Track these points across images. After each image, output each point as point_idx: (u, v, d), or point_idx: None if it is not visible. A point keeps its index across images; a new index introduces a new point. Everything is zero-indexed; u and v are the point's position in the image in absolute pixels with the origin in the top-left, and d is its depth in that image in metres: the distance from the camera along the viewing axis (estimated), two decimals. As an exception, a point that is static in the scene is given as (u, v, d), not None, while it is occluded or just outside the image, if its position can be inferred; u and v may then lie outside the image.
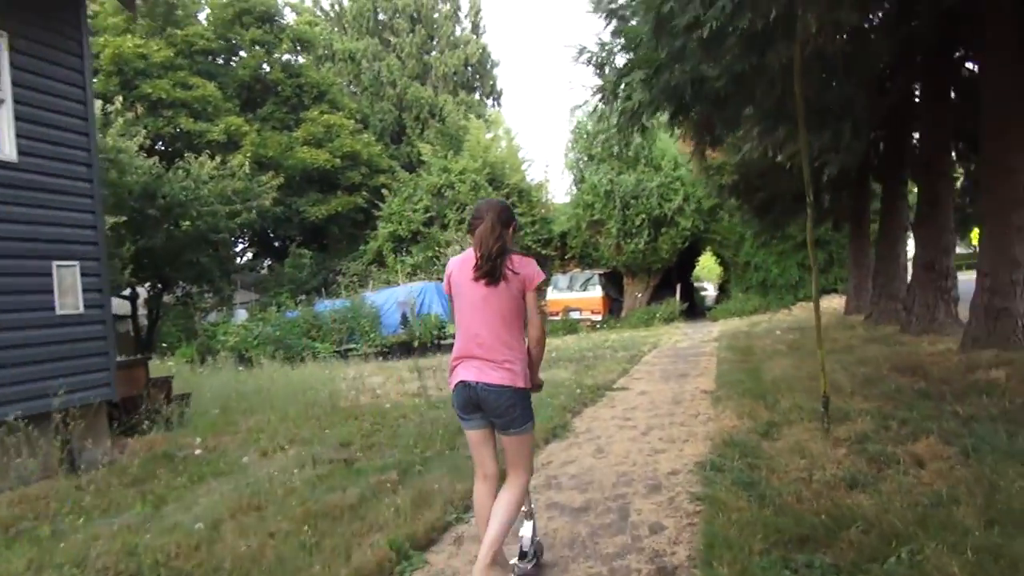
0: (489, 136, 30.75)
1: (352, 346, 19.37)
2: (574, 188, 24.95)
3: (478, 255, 3.14)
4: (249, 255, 33.39)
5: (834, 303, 22.04)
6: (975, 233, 48.34)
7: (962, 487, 3.88)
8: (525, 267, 3.18)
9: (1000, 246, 7.53)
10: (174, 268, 20.63)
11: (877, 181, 15.15)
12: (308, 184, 27.51)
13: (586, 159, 24.52)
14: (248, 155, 24.51)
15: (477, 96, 40.47)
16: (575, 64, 24.62)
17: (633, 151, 23.18)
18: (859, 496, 3.95)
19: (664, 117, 9.24)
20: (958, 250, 13.02)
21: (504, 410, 3.12)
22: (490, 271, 3.10)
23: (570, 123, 24.93)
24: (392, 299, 21.25)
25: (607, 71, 9.26)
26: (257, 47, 28.24)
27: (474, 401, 3.15)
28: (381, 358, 18.00)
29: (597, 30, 33.82)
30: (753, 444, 5.43)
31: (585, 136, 24.35)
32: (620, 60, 9.02)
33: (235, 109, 26.75)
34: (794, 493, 4.06)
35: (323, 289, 24.70)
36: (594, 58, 9.56)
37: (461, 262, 3.27)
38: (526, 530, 3.53)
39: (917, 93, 10.57)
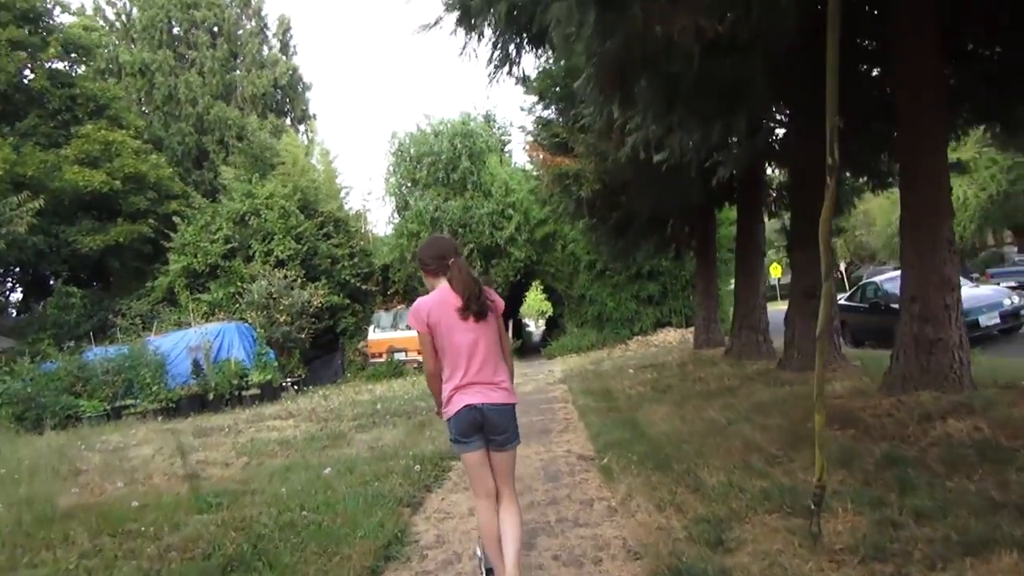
0: (305, 157, 27.97)
1: (129, 402, 15.87)
2: (396, 216, 22.75)
3: (464, 297, 3.44)
4: (16, 295, 28.25)
5: (670, 336, 21.31)
6: (775, 268, 51.11)
7: None
8: (494, 296, 3.63)
9: (929, 265, 6.20)
10: None
11: (728, 205, 14.27)
12: (81, 210, 23.28)
13: (409, 184, 22.42)
14: (0, 174, 20.20)
15: (288, 121, 37.33)
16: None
17: (460, 175, 21.41)
18: None
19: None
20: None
21: (507, 426, 3.53)
22: (480, 310, 3.47)
23: (391, 145, 22.81)
24: (182, 343, 17.90)
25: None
26: (18, 50, 23.78)
27: (478, 423, 3.45)
28: (163, 417, 14.76)
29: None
30: (705, 567, 3.47)
31: (408, 159, 22.27)
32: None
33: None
34: None
35: (99, 334, 20.69)
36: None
37: (438, 303, 3.50)
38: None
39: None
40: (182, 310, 21.22)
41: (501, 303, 3.64)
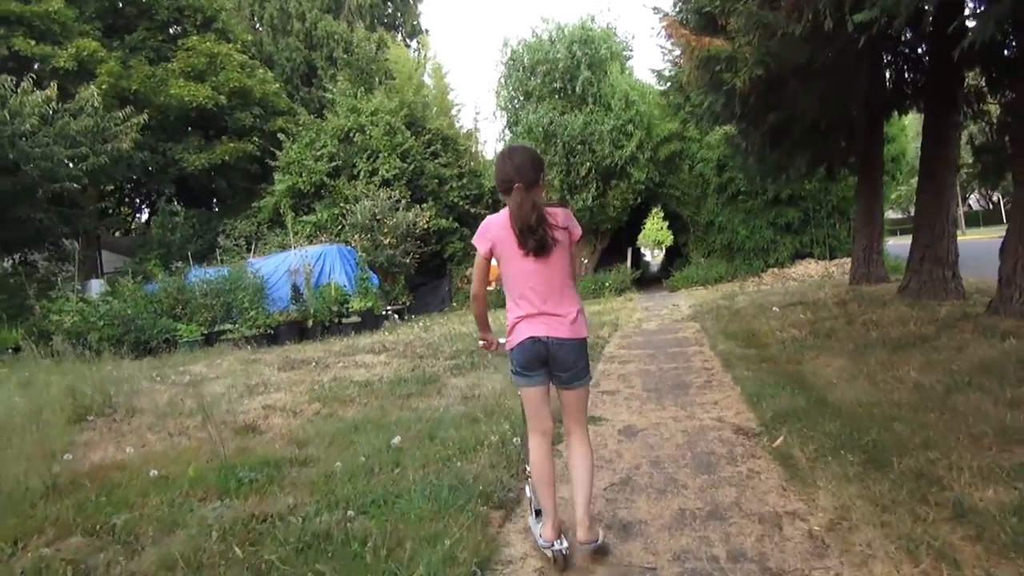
0: (416, 72, 26.51)
1: (227, 327, 15.16)
2: (507, 132, 20.93)
3: (518, 231, 3.06)
4: (141, 214, 28.51)
5: (811, 269, 18.87)
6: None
7: None
8: (567, 220, 3.18)
9: None
10: (-1, 228, 15.98)
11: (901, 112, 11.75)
12: (187, 127, 22.73)
13: (522, 98, 20.48)
14: (104, 87, 19.69)
15: (399, 37, 35.81)
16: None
17: (580, 87, 19.28)
18: None
19: None
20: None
21: (574, 362, 3.13)
22: (539, 246, 3.07)
23: (502, 54, 20.81)
24: (283, 267, 17.05)
25: None
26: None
27: (542, 357, 3.12)
28: (259, 344, 13.91)
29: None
30: None
31: (521, 69, 20.27)
32: None
33: (94, 33, 21.71)
34: None
35: (206, 254, 20.24)
36: None
37: (502, 226, 3.13)
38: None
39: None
40: (287, 231, 20.46)
41: (576, 231, 3.22)
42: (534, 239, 3.03)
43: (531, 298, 3.11)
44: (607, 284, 19.54)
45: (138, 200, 25.90)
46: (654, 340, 10.04)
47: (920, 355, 6.33)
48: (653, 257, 55.02)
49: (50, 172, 16.39)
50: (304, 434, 5.48)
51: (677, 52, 8.60)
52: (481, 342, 3.54)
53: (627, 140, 18.89)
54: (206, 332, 14.96)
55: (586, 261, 20.84)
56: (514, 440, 4.72)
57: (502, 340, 3.31)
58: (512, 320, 3.18)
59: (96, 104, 17.53)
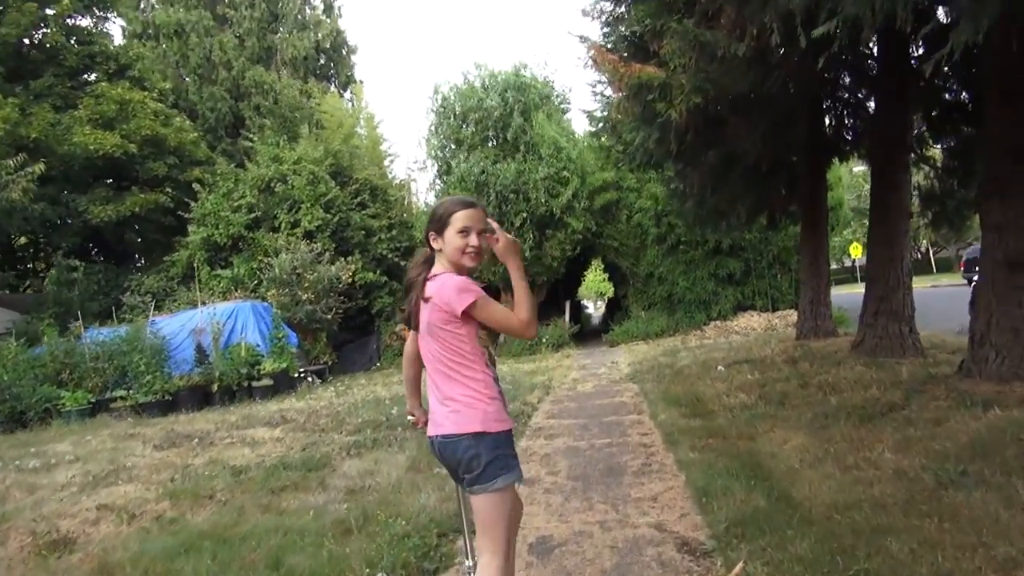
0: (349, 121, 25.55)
1: (119, 394, 13.55)
2: (438, 183, 19.93)
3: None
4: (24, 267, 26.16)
5: (754, 322, 18.18)
6: (855, 247, 47.01)
7: None
8: (439, 294, 2.49)
9: None
10: None
11: (850, 155, 11.17)
12: (94, 177, 21.10)
13: (453, 146, 19.56)
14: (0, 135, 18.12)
15: (332, 87, 34.85)
16: None
17: (512, 134, 18.46)
18: None
19: None
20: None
21: (465, 464, 2.48)
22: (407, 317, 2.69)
23: (433, 101, 19.93)
24: (189, 325, 15.54)
25: None
26: (30, 1, 21.67)
27: (439, 460, 2.63)
28: (153, 413, 12.44)
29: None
30: None
31: (452, 116, 19.39)
32: None
33: (-8, 78, 20.13)
34: None
35: (111, 313, 18.54)
36: None
37: None
38: None
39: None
40: (203, 286, 18.94)
41: (447, 300, 2.44)
42: (407, 307, 2.65)
43: (430, 382, 2.62)
44: (544, 340, 18.47)
45: (41, 255, 23.96)
46: (588, 406, 8.93)
47: (892, 429, 5.35)
48: (596, 309, 54.56)
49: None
50: (121, 555, 4.17)
51: (606, 86, 7.71)
52: (411, 417, 3.00)
53: (563, 188, 18.07)
54: (94, 400, 13.33)
55: (522, 316, 19.74)
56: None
57: None
58: None
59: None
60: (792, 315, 16.73)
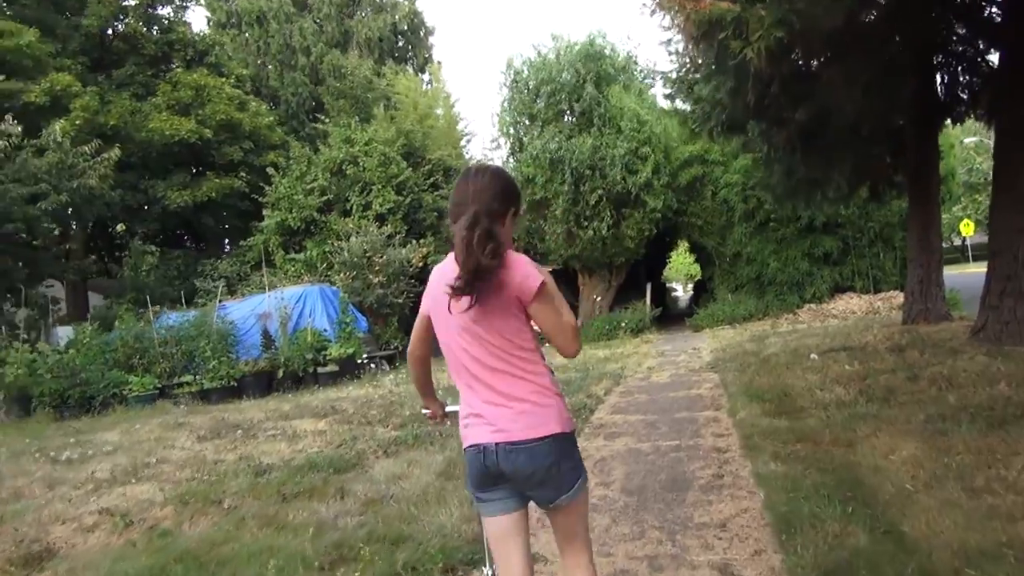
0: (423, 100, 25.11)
1: (186, 379, 13.42)
2: (511, 161, 19.13)
3: (459, 274, 1.99)
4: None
5: (853, 304, 16.71)
6: (966, 225, 43.59)
7: None
8: (522, 270, 2.06)
9: None
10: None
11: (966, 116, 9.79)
12: (172, 163, 21.29)
13: (527, 121, 18.72)
14: (78, 122, 18.39)
15: (409, 69, 34.53)
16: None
17: (586, 106, 17.48)
18: None
19: None
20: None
21: (543, 474, 2.08)
22: (469, 287, 1.99)
23: (505, 76, 19.13)
24: (260, 310, 15.32)
25: None
26: (111, -10, 22.00)
27: (495, 473, 2.11)
28: (219, 399, 12.31)
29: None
30: None
31: (525, 91, 18.54)
32: None
33: (76, 68, 20.50)
34: None
35: (190, 299, 18.63)
36: None
37: (440, 275, 2.20)
38: None
39: None
40: (278, 271, 18.82)
41: (531, 284, 2.03)
42: (469, 282, 1.97)
43: (467, 383, 2.17)
44: (622, 324, 17.49)
45: (126, 241, 24.59)
46: (660, 400, 8.00)
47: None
48: (685, 292, 52.75)
49: (3, 213, 15.01)
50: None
51: (676, 32, 6.70)
52: (425, 411, 2.68)
53: (642, 164, 16.98)
54: (160, 386, 13.22)
55: (599, 299, 18.84)
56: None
57: (454, 408, 2.44)
58: (461, 416, 2.27)
59: (59, 139, 16.12)
60: (897, 297, 15.21)
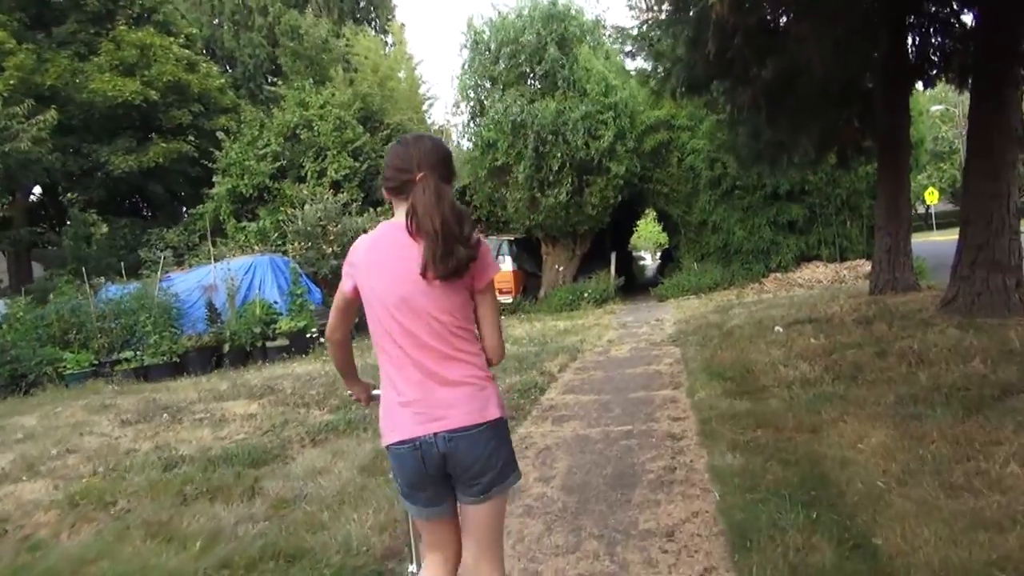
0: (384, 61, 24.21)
1: (126, 355, 12.71)
2: (472, 125, 18.44)
3: (432, 240, 1.88)
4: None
5: (819, 273, 16.47)
6: (931, 193, 43.64)
7: None
8: (486, 256, 2.05)
9: None
10: None
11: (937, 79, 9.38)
12: (117, 127, 20.25)
13: (488, 84, 18.02)
14: (12, 82, 17.34)
15: (372, 31, 33.39)
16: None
17: (548, 67, 16.83)
18: None
19: None
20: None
21: (482, 464, 1.96)
22: (453, 269, 1.90)
23: (466, 37, 18.33)
24: (205, 282, 14.59)
25: None
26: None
27: (433, 467, 1.96)
28: (159, 376, 11.65)
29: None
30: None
31: (487, 52, 17.81)
32: None
33: (13, 25, 19.30)
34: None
35: (136, 270, 17.78)
36: None
37: (375, 243, 2.03)
38: None
39: None
40: (227, 241, 18.05)
41: (491, 272, 2.05)
42: (450, 257, 1.86)
43: (399, 361, 1.95)
44: (585, 295, 17.04)
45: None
46: (616, 377, 7.54)
47: (1016, 425, 3.85)
48: (654, 260, 52.39)
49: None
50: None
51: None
52: (349, 395, 2.52)
53: (605, 129, 16.40)
54: (98, 362, 12.51)
55: (561, 269, 18.34)
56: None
57: (378, 392, 2.15)
58: (383, 403, 2.03)
59: (-14, 99, 15.15)
60: (864, 266, 14.96)
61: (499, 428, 2.00)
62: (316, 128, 18.58)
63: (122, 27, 20.20)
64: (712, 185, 17.31)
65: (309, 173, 18.39)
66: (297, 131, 18.85)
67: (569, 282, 18.17)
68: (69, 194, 21.31)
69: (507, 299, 17.93)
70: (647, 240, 56.40)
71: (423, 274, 1.89)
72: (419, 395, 1.95)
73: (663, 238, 34.94)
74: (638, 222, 31.01)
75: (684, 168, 17.73)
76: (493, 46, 17.80)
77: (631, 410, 5.90)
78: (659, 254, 39.63)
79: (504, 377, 7.56)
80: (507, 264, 18.12)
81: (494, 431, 1.98)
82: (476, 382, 1.98)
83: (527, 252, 19.27)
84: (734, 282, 16.85)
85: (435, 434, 1.92)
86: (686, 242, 18.65)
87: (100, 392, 10.23)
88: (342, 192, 17.73)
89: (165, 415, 7.55)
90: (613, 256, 19.07)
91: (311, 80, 20.52)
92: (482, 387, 1.99)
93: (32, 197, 20.85)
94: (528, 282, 19.01)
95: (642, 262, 46.98)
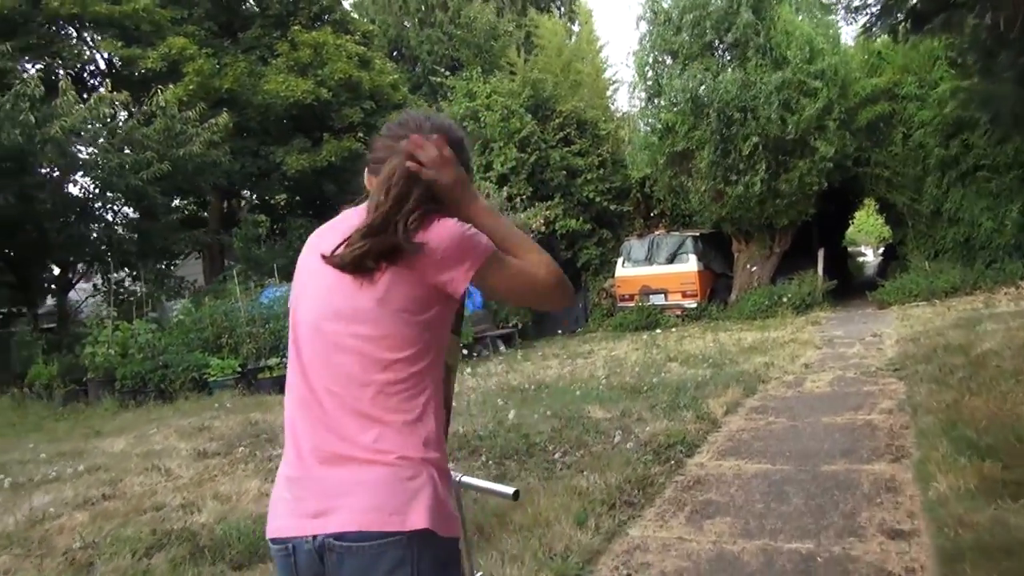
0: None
1: (272, 362, 12.05)
2: (649, 107, 16.28)
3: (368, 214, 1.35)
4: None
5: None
6: None
7: None
8: (438, 231, 1.33)
9: None
10: (36, 248, 14.13)
11: None
12: (292, 128, 20.31)
13: (668, 59, 15.79)
14: (191, 87, 17.65)
15: (558, 17, 32.02)
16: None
17: (738, 35, 14.34)
18: None
19: None
20: None
21: None
22: (360, 253, 1.30)
23: (644, 7, 16.19)
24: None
25: None
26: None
27: None
28: (281, 388, 10.73)
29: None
30: None
31: (667, 22, 15.56)
32: None
33: (201, 34, 19.86)
34: None
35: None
36: None
37: (320, 236, 1.53)
38: None
39: None
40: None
41: (453, 253, 1.31)
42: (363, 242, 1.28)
43: (294, 411, 1.35)
44: (784, 299, 14.38)
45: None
46: (806, 431, 5.30)
47: None
48: (876, 256, 46.39)
49: (106, 183, 14.44)
50: None
51: None
52: None
53: (809, 102, 13.64)
54: (241, 369, 11.95)
55: (756, 269, 15.73)
56: None
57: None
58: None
59: (162, 103, 15.30)
60: None
61: (425, 548, 1.20)
62: (483, 119, 17.39)
63: (296, 27, 20.18)
64: (947, 165, 14.00)
65: (474, 167, 17.20)
66: (464, 123, 17.73)
67: (765, 284, 15.55)
68: (249, 195, 21.83)
69: (691, 303, 15.74)
70: (868, 234, 50.41)
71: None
72: (303, 470, 1.28)
73: (886, 232, 30.59)
74: (855, 213, 27.17)
75: (911, 146, 14.51)
76: (675, 14, 15.54)
77: (819, 504, 3.74)
78: (881, 250, 34.78)
79: (642, 423, 5.56)
80: (691, 263, 15.86)
81: (411, 551, 1.18)
82: (398, 464, 1.22)
83: (716, 249, 16.82)
84: (979, 286, 13.40)
85: (313, 537, 1.21)
86: (914, 236, 15.35)
87: (215, 407, 9.40)
88: (508, 186, 16.39)
89: (241, 447, 6.37)
90: (821, 253, 16.10)
91: (479, 69, 19.39)
92: (409, 473, 1.22)
93: (221, 201, 21.41)
94: (717, 284, 16.58)
95: (861, 259, 41.85)
